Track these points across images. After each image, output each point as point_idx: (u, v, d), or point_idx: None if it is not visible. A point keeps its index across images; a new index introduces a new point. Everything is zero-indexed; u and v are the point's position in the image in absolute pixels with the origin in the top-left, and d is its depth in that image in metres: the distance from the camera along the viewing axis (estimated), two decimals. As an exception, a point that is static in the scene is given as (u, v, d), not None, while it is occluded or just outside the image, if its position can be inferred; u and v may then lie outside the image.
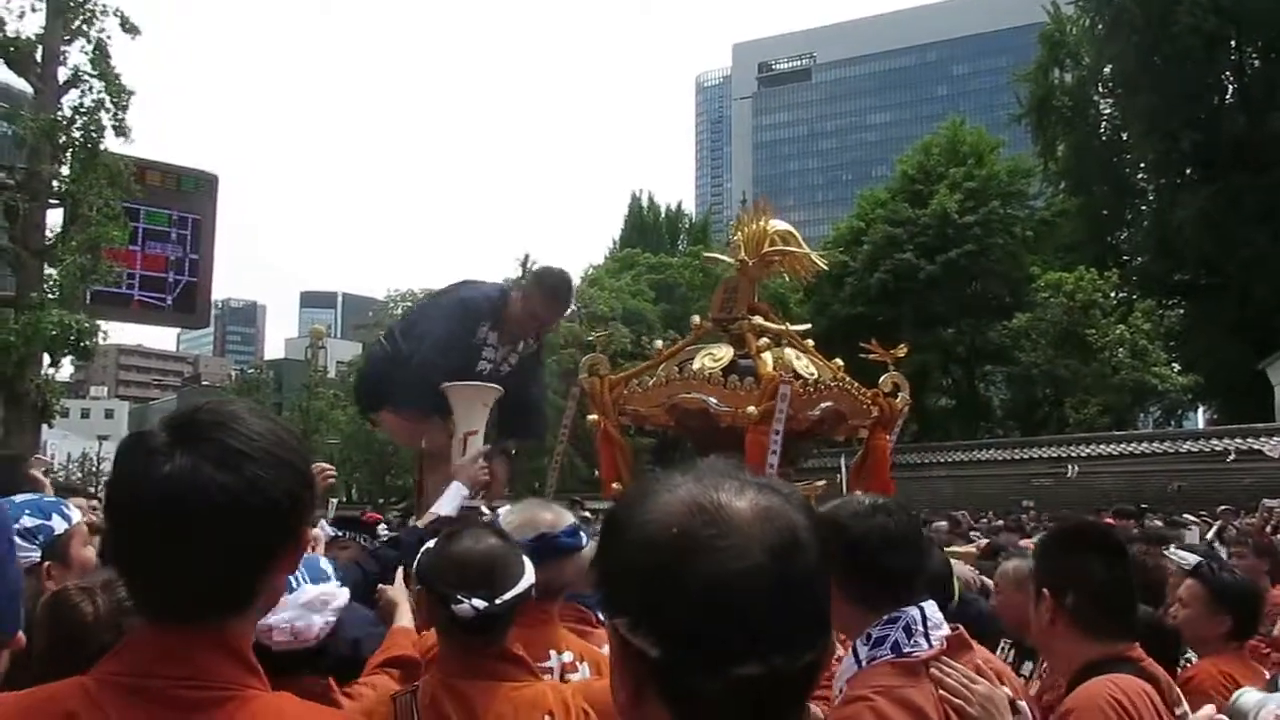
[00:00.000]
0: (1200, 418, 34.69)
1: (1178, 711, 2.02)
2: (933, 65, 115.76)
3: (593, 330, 30.37)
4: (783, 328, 6.58)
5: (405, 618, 2.61)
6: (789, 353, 6.29)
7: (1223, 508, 13.00)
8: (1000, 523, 13.41)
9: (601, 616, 2.19)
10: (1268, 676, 2.76)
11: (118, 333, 19.87)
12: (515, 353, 4.95)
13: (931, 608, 1.96)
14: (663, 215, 52.74)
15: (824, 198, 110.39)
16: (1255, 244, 26.45)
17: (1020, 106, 35.42)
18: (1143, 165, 32.72)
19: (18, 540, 2.18)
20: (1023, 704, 2.01)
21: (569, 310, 5.38)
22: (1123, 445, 22.72)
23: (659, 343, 8.00)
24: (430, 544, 2.21)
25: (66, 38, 15.51)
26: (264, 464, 1.16)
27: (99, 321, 16.41)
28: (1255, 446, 20.19)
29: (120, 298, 20.64)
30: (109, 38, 15.54)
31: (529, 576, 2.07)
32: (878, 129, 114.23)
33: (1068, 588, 2.22)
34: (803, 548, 0.95)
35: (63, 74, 15.63)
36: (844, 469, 7.15)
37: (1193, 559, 3.77)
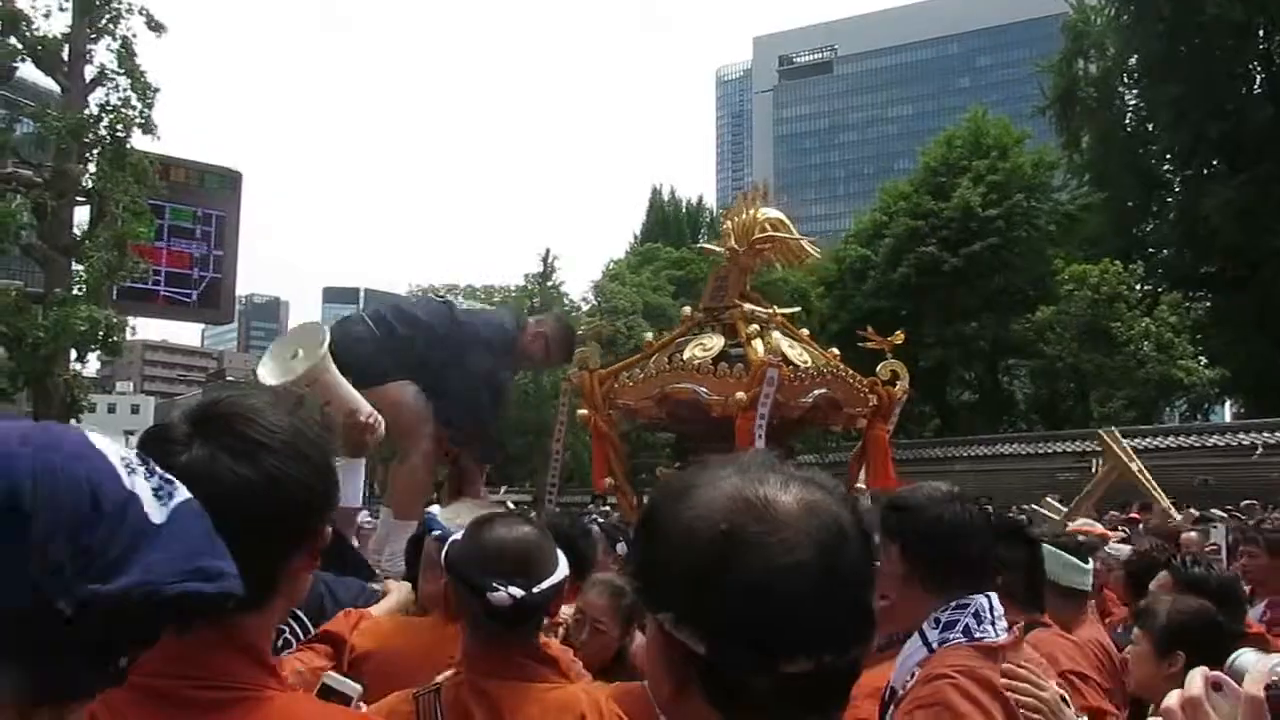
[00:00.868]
0: (1227, 411, 34.31)
1: None
2: (955, 57, 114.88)
3: (613, 325, 30.49)
4: (771, 311, 6.44)
5: (382, 606, 2.58)
6: (781, 340, 6.20)
7: (1245, 502, 12.83)
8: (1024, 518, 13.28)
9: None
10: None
11: (143, 328, 20.06)
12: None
13: (995, 598, 1.98)
14: (683, 209, 52.60)
15: (845, 191, 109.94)
16: (1284, 235, 26.12)
17: (1044, 98, 35.09)
18: (1169, 156, 32.34)
19: None
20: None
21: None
22: (1148, 439, 22.46)
23: (648, 335, 7.84)
24: (458, 534, 2.14)
25: (93, 36, 15.66)
26: (283, 456, 1.14)
27: (126, 317, 16.62)
28: (1283, 440, 19.96)
29: (146, 293, 20.90)
30: (135, 36, 15.70)
31: (564, 567, 1.99)
32: (899, 122, 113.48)
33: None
34: (849, 542, 0.95)
35: (89, 72, 15.79)
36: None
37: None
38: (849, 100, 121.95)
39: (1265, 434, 20.54)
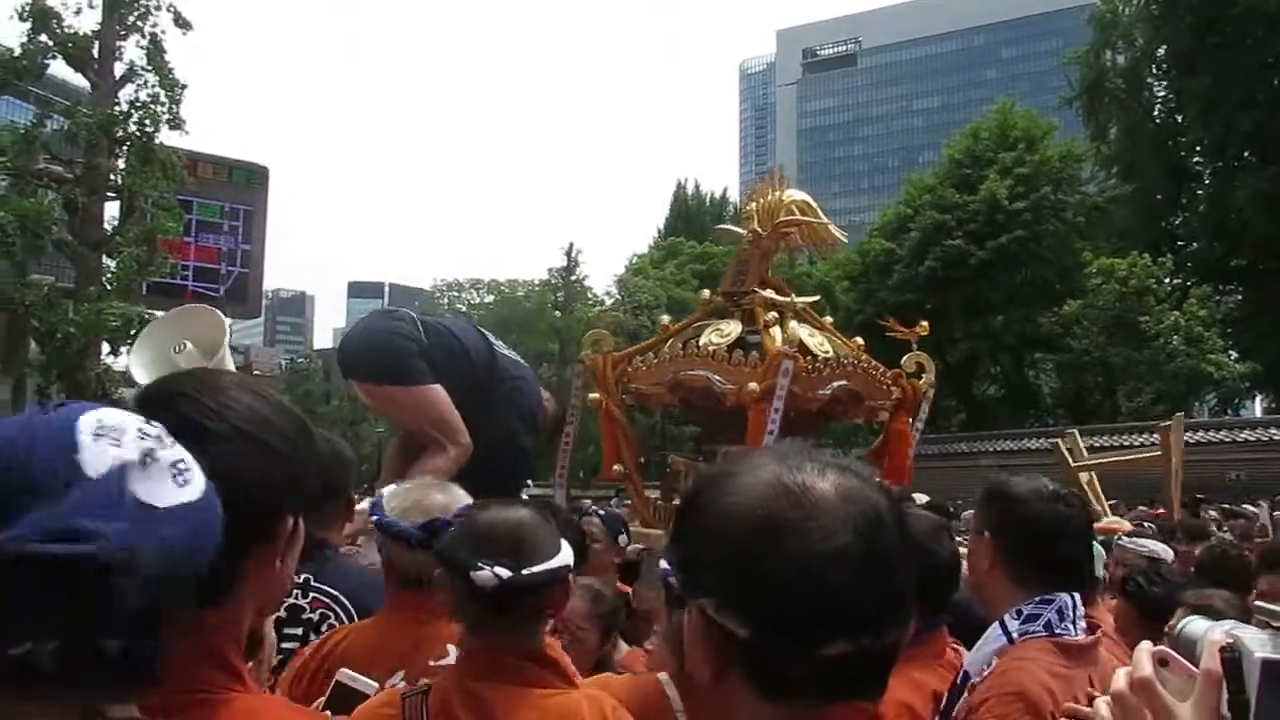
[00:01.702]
0: (1258, 406, 33.90)
1: None
2: (981, 49, 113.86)
3: (636, 319, 30.51)
4: (790, 299, 6.18)
5: None
6: (801, 329, 5.94)
7: (1280, 496, 12.68)
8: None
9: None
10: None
11: (172, 324, 20.27)
12: None
13: (1079, 598, 1.99)
14: (707, 203, 52.56)
15: (870, 184, 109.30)
16: (1317, 227, 25.77)
17: (1071, 90, 34.75)
18: (1198, 148, 31.95)
19: None
20: None
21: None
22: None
23: (665, 318, 7.54)
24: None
25: (122, 33, 15.84)
26: (228, 441, 1.03)
27: (156, 312, 16.77)
28: (1316, 435, 19.73)
29: (174, 288, 21.07)
30: (163, 33, 15.86)
31: (565, 555, 1.82)
32: (924, 114, 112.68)
33: None
34: (886, 527, 0.96)
35: (119, 69, 15.97)
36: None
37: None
38: (873, 93, 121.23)
39: (1297, 429, 20.30)
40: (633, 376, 6.23)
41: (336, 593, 2.42)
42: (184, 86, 15.79)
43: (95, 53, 15.77)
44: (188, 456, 0.89)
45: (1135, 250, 27.72)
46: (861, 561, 0.92)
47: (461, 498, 2.24)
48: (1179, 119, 32.53)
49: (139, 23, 15.71)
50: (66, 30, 15.41)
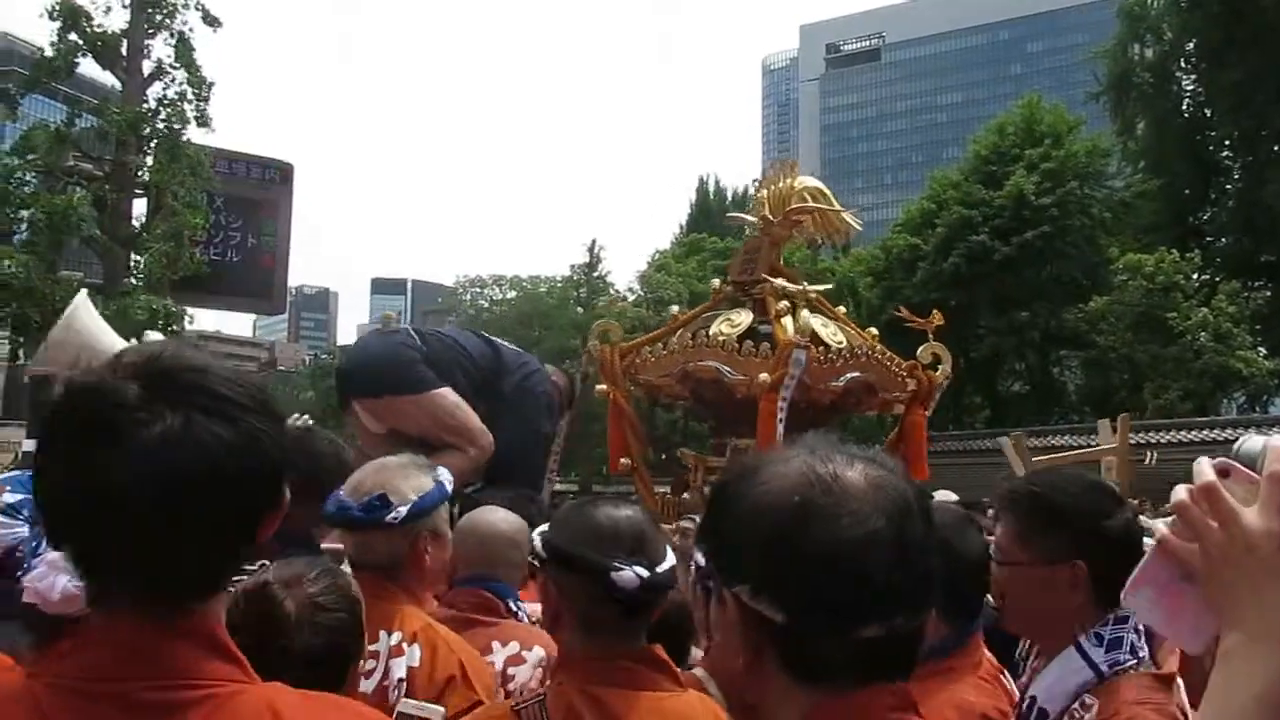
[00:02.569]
0: (1287, 404, 33.49)
1: None
2: (1006, 43, 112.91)
3: (658, 315, 30.53)
4: (802, 287, 6.02)
5: None
6: (814, 319, 5.81)
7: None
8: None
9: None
10: None
11: (197, 319, 20.51)
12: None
13: None
14: (729, 199, 52.43)
15: (893, 180, 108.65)
16: (1348, 223, 25.45)
17: (1098, 84, 34.42)
18: (1227, 143, 31.59)
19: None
20: None
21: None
22: (1205, 432, 22.04)
23: (674, 308, 7.44)
24: (546, 525, 1.98)
25: (150, 31, 16.03)
26: (257, 415, 1.00)
27: (184, 307, 16.96)
28: (1347, 433, 19.48)
29: (199, 282, 21.25)
30: (191, 30, 16.02)
31: (673, 556, 1.80)
32: (949, 109, 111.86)
33: None
34: (914, 514, 1.01)
35: (147, 67, 16.14)
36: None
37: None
38: (897, 88, 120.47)
39: (1327, 426, 20.04)
40: (641, 368, 6.12)
41: None
42: (212, 84, 15.96)
43: (124, 51, 15.96)
44: None
45: (1163, 246, 27.42)
46: (892, 546, 0.97)
47: (406, 487, 2.17)
48: (1208, 113, 32.16)
49: (167, 20, 15.88)
50: (96, 29, 15.58)
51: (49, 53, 15.58)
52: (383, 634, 2.02)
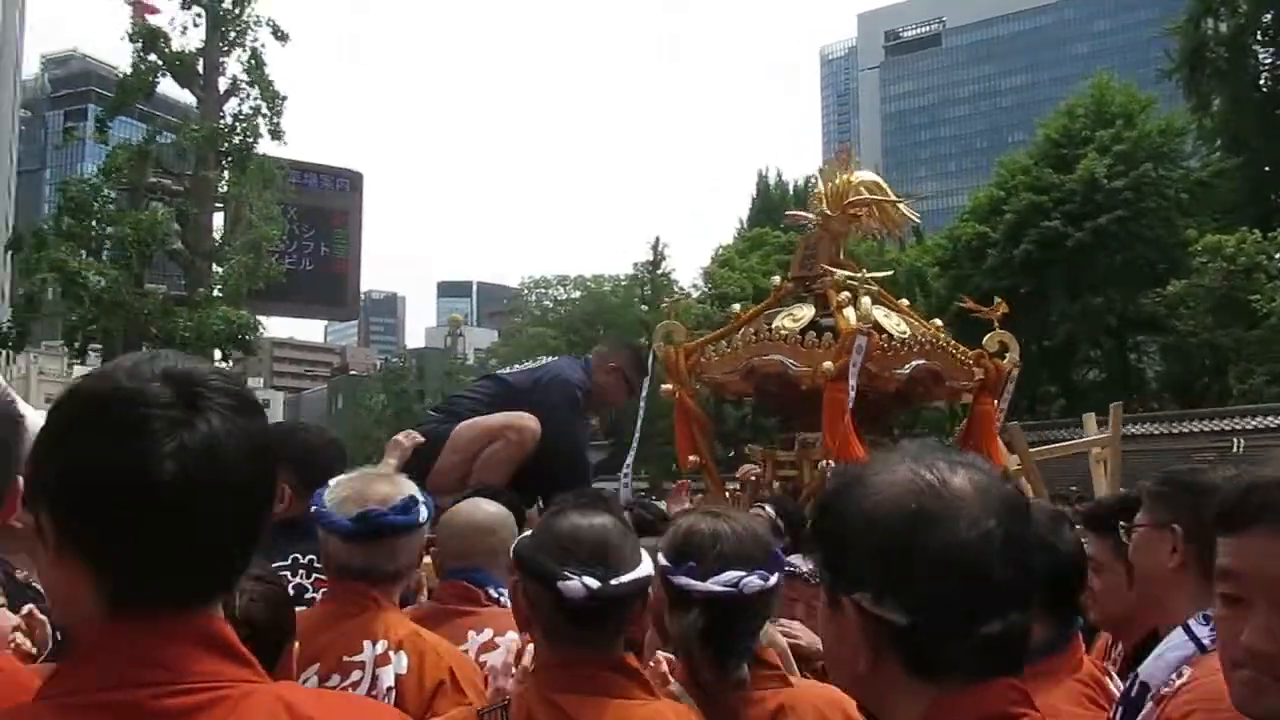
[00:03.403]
0: (1380, 386, 32.27)
1: None
2: (1070, 23, 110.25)
3: (723, 311, 30.47)
4: (862, 273, 6.01)
5: None
6: (876, 310, 5.81)
7: None
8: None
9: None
10: None
11: (273, 327, 21.02)
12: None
13: None
14: (790, 192, 52.08)
15: (958, 167, 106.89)
16: None
17: (1169, 61, 33.48)
18: (1309, 117, 30.54)
19: None
20: None
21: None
22: (1294, 416, 21.35)
23: (736, 306, 7.46)
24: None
25: (225, 49, 16.50)
26: (262, 416, 1.03)
27: (259, 316, 17.44)
28: None
29: (274, 290, 21.80)
30: (263, 46, 16.46)
31: (647, 566, 1.78)
32: (1013, 93, 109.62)
33: None
34: (1019, 513, 1.07)
35: (222, 84, 16.62)
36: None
37: None
38: (959, 73, 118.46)
39: None
40: (705, 366, 6.16)
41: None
42: (284, 98, 16.36)
43: (200, 69, 16.44)
44: None
45: (1243, 226, 26.61)
46: (1005, 545, 1.03)
47: (408, 488, 2.18)
48: (1287, 87, 31.13)
49: (240, 38, 16.32)
50: (173, 50, 16.08)
51: (129, 73, 16.10)
52: (366, 644, 2.01)
